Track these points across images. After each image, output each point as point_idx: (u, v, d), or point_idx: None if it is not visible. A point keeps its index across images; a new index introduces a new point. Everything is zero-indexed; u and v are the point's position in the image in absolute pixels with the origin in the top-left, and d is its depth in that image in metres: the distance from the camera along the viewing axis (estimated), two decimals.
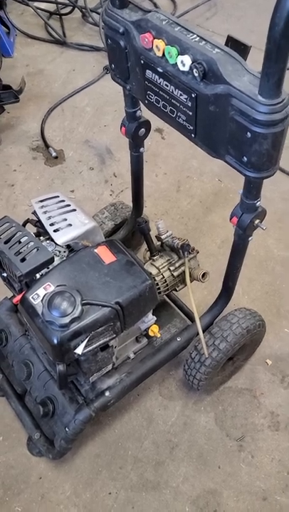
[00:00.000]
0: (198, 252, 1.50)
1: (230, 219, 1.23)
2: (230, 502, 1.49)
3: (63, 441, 1.38)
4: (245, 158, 1.01)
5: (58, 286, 1.13)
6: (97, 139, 2.53)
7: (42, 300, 1.12)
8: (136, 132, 1.42)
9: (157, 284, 1.45)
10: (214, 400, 1.69)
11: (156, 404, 1.68)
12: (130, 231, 1.78)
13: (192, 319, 1.65)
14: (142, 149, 1.49)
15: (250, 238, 1.28)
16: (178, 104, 1.09)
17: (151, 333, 1.44)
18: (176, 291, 1.53)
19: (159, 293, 1.48)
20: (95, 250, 1.24)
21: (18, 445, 1.57)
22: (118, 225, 1.80)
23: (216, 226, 2.15)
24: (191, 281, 1.47)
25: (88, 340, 1.13)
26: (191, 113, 1.07)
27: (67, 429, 1.36)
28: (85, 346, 1.12)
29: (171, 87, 1.07)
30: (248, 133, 0.95)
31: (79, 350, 1.10)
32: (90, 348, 1.14)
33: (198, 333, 1.44)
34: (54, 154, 2.41)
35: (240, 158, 1.03)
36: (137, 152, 1.50)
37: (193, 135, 1.11)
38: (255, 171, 1.02)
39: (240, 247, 1.31)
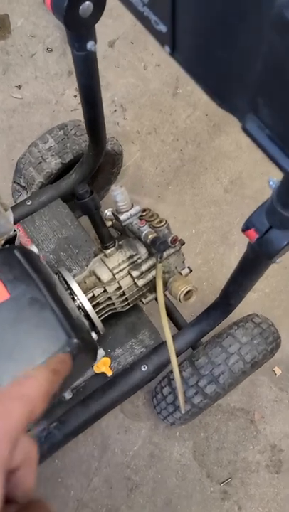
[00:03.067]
0: (183, 244, 0.87)
1: (244, 230, 0.59)
2: None
3: None
4: None
5: None
6: None
7: None
8: (73, 9, 0.70)
9: (110, 298, 0.86)
10: (195, 424, 1.22)
11: (115, 424, 1.22)
12: (88, 175, 1.12)
13: (178, 326, 1.10)
14: (90, 45, 0.78)
15: (278, 260, 0.65)
16: None
17: (96, 370, 0.91)
18: (143, 303, 0.94)
19: (114, 309, 0.89)
20: None
21: None
22: (68, 164, 1.14)
23: (226, 156, 1.46)
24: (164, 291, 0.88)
25: None
26: None
27: None
28: None
29: None
30: None
31: None
32: None
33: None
34: None
35: (285, 133, 0.37)
36: (81, 50, 0.79)
37: (168, 47, 0.43)
38: None
39: (256, 270, 0.69)
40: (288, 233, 0.56)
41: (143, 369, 0.98)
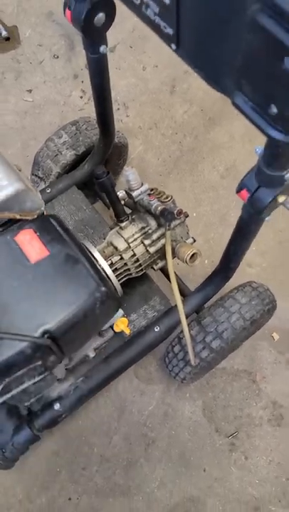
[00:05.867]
0: (187, 216, 1.01)
1: (238, 191, 0.73)
2: None
3: (1, 461, 1.07)
4: (274, 109, 0.49)
5: None
6: None
7: None
8: (89, 20, 0.84)
9: (125, 264, 1.00)
10: (203, 385, 1.35)
11: (130, 388, 1.35)
12: (99, 165, 1.26)
13: (183, 294, 1.23)
14: (102, 48, 0.92)
15: (267, 219, 0.79)
16: None
17: (116, 329, 1.04)
18: (154, 270, 1.08)
19: (130, 275, 1.03)
20: (15, 239, 0.76)
21: None
22: (81, 156, 1.28)
23: (221, 147, 1.61)
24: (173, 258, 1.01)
25: (1, 389, 0.73)
26: (168, 0, 0.51)
27: (3, 451, 1.04)
28: None
29: None
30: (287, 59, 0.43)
31: None
32: (5, 397, 0.75)
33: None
34: (4, 34, 1.75)
35: (263, 105, 0.51)
36: (95, 53, 0.93)
37: (174, 45, 0.57)
38: None
39: (250, 228, 0.83)
40: (273, 191, 0.70)
41: (156, 330, 1.12)
